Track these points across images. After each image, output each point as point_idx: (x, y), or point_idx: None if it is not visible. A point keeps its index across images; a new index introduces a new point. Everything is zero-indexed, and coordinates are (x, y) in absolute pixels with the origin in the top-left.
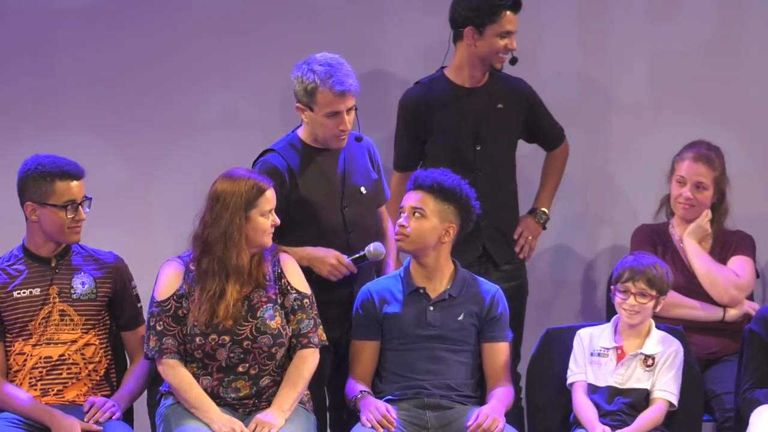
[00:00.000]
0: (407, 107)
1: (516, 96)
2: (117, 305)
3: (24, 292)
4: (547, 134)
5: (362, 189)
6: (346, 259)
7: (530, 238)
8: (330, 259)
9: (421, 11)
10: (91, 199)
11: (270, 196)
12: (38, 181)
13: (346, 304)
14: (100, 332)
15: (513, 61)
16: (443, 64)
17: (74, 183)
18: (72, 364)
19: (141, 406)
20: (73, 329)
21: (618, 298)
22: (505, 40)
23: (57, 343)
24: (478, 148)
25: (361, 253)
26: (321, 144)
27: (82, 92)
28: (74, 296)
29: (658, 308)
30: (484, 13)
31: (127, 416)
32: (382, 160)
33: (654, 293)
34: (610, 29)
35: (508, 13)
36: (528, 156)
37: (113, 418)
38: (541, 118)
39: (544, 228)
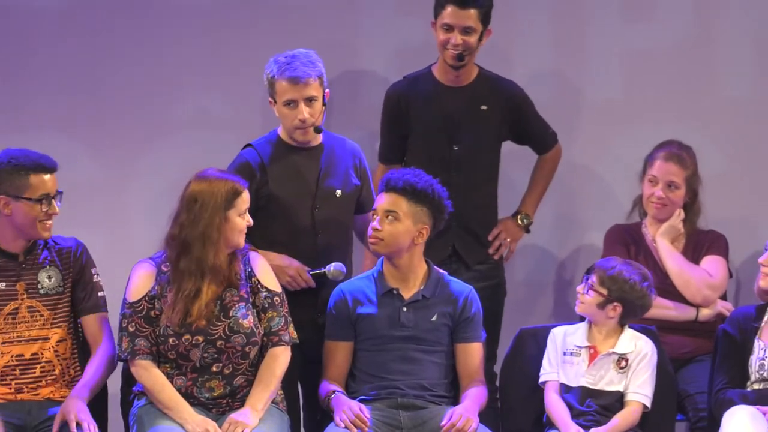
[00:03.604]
0: (388, 101)
1: (502, 98)
2: (77, 288)
3: None
4: (537, 138)
5: (337, 192)
6: (306, 274)
7: (508, 240)
8: (290, 270)
9: (394, 10)
10: (62, 192)
11: (246, 197)
12: (12, 174)
13: (314, 305)
14: (70, 325)
15: (459, 57)
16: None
17: (48, 176)
18: (46, 362)
19: (114, 407)
20: (43, 325)
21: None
22: (447, 35)
23: (28, 341)
24: (456, 148)
25: (322, 270)
26: (295, 141)
27: (55, 92)
28: (42, 291)
29: (612, 314)
30: (437, 4)
31: (101, 417)
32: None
33: (603, 292)
34: (585, 29)
35: (450, 7)
36: (507, 155)
37: None
38: (530, 121)
39: (527, 231)
